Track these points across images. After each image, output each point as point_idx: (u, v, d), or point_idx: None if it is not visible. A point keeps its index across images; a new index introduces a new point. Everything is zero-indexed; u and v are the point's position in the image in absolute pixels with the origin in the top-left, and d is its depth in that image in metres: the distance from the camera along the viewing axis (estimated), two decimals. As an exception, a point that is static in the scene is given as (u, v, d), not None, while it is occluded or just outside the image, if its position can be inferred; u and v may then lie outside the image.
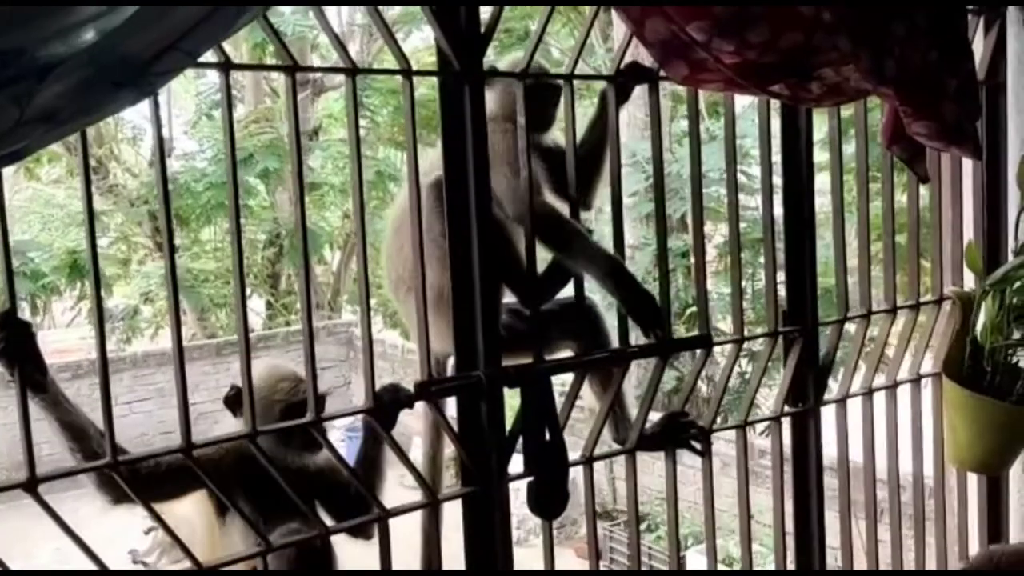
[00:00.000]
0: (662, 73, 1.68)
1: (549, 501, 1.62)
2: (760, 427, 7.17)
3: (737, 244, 1.88)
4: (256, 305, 12.71)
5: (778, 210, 1.91)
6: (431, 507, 1.59)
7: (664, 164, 1.81)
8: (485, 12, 1.55)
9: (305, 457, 1.72)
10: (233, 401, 1.69)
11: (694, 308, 7.19)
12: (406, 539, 1.71)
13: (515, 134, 1.66)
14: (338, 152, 11.32)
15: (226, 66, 1.30)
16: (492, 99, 1.70)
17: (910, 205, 2.09)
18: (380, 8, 1.51)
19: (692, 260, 7.89)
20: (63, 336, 12.71)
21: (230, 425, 1.71)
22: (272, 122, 11.20)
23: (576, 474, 1.69)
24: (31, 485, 1.18)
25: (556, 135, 1.85)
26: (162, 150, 1.30)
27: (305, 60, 10.90)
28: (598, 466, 1.75)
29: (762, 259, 1.97)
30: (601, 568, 6.34)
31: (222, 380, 9.81)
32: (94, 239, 1.26)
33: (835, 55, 1.66)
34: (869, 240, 2.02)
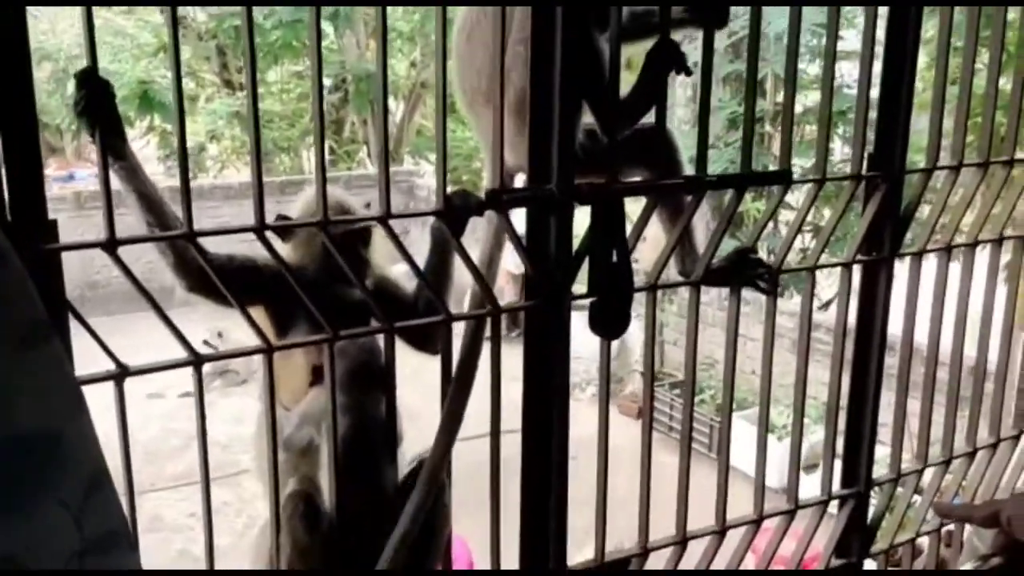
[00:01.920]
0: None
1: (611, 321, 1.62)
2: (827, 294, 7.10)
3: (831, 85, 1.77)
4: (320, 150, 12.74)
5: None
6: (493, 316, 1.60)
7: (744, 25, 1.68)
8: None
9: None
10: (281, 229, 1.63)
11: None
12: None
13: None
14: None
15: None
16: None
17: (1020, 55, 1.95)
18: None
19: (767, 127, 7.65)
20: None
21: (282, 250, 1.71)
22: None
23: (628, 334, 1.66)
24: (111, 246, 1.20)
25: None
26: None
27: None
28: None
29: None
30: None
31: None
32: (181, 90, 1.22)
33: None
34: (972, 86, 1.90)
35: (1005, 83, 2.02)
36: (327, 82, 12.09)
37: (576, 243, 1.59)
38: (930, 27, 2.80)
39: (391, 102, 12.79)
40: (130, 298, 1.32)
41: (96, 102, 1.20)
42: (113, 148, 1.29)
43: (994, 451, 2.25)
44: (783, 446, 5.24)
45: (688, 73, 1.68)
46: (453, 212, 1.49)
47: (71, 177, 12.22)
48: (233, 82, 12.40)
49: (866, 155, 1.81)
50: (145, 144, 12.57)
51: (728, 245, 1.80)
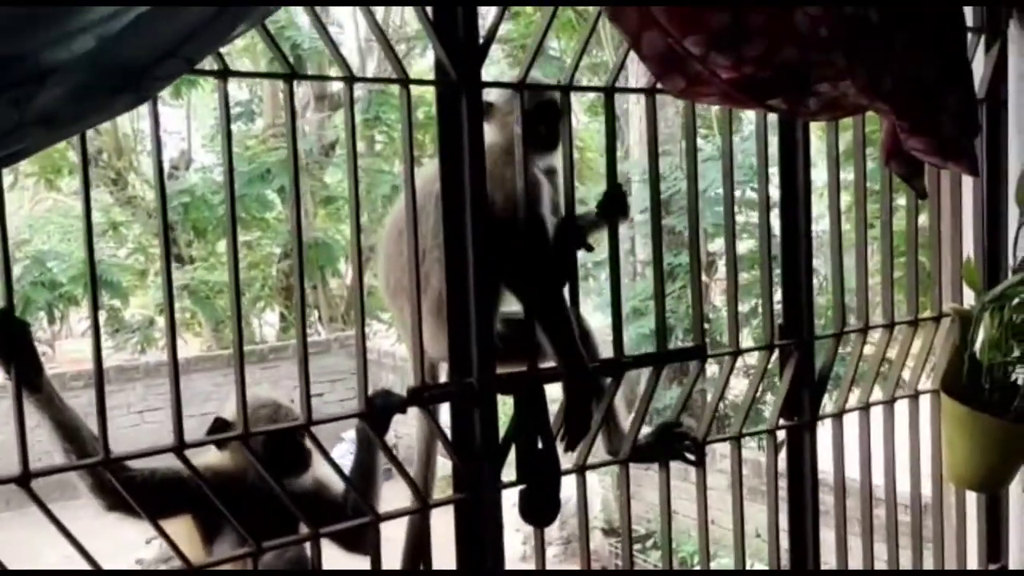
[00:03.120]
0: (659, 86, 1.69)
1: (540, 509, 1.63)
2: (760, 442, 7.14)
3: (734, 259, 1.89)
4: (270, 318, 12.77)
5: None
6: (422, 512, 1.60)
7: (676, 180, 1.82)
8: (484, 21, 1.57)
9: (293, 482, 1.72)
10: (217, 431, 1.67)
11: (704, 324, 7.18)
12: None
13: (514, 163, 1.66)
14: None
15: (224, 73, 1.33)
16: (491, 130, 1.72)
17: (909, 221, 2.09)
18: (392, 23, 1.53)
19: (703, 276, 7.88)
20: (78, 345, 12.83)
21: (217, 457, 1.74)
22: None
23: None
24: (24, 480, 1.20)
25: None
26: (160, 159, 1.33)
27: (323, 70, 11.00)
28: (606, 482, 1.75)
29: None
30: (606, 585, 6.27)
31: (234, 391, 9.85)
32: (91, 239, 1.29)
33: (831, 70, 1.67)
34: (867, 255, 2.02)
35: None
36: (276, 250, 12.29)
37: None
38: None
39: (340, 265, 13.01)
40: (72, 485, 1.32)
41: (12, 341, 1.23)
42: (30, 383, 1.30)
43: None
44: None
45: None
46: (375, 412, 1.51)
47: None
48: (183, 255, 12.52)
49: (776, 325, 1.90)
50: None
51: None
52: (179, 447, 1.32)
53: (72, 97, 1.08)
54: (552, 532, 6.78)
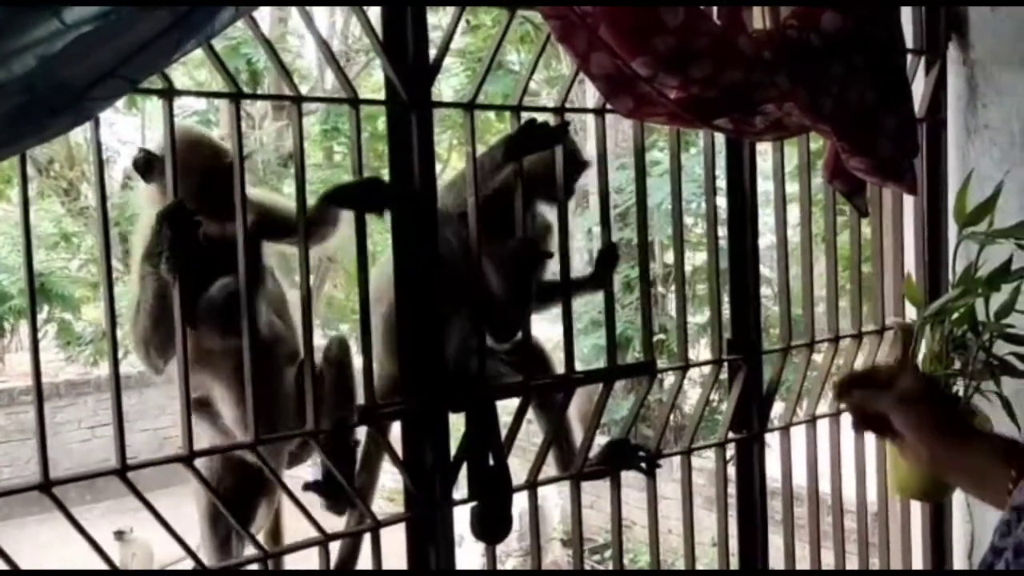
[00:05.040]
0: (608, 106, 1.72)
1: (492, 526, 1.64)
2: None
3: (682, 274, 1.93)
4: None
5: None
6: (373, 531, 1.59)
7: (632, 193, 1.84)
8: (435, 43, 1.58)
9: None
10: (144, 166, 1.49)
11: (661, 335, 7.26)
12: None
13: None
14: (314, 176, 11.30)
15: (169, 92, 1.32)
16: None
17: (852, 238, 2.14)
18: (351, 35, 1.53)
19: (659, 288, 7.95)
20: (29, 359, 12.55)
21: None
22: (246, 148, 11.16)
23: (540, 502, 1.70)
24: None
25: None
26: (101, 174, 1.31)
27: (283, 88, 10.93)
28: (565, 493, 1.76)
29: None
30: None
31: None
32: (30, 256, 1.26)
33: (775, 92, 1.71)
34: (812, 271, 2.07)
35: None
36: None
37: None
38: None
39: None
40: (21, 503, 1.30)
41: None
42: None
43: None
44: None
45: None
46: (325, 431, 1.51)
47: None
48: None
49: (725, 340, 1.93)
50: (43, 334, 12.24)
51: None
52: (122, 470, 1.30)
53: (11, 118, 1.07)
54: (511, 544, 6.76)
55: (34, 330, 1.31)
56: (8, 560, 1.22)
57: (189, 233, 1.37)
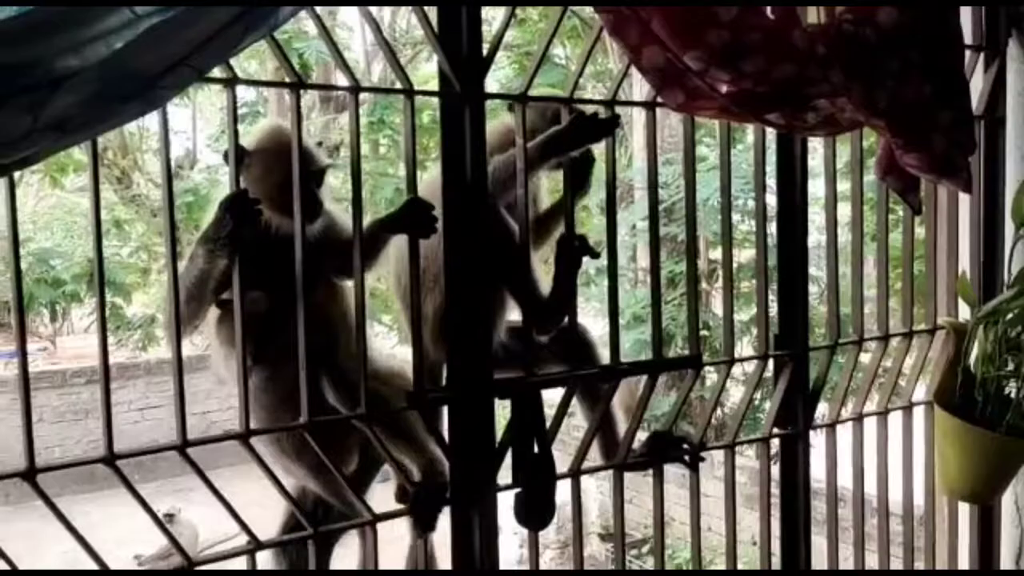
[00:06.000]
0: (658, 100, 1.72)
1: (535, 512, 1.66)
2: (757, 449, 7.18)
3: (730, 269, 1.92)
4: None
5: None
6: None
7: (679, 189, 1.85)
8: (490, 28, 1.60)
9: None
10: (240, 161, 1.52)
11: (704, 332, 7.21)
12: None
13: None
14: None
15: (232, 81, 1.36)
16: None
17: (905, 235, 2.12)
18: (398, 28, 1.56)
19: (703, 284, 7.90)
20: (80, 342, 12.88)
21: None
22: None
23: (583, 492, 1.71)
24: (30, 475, 1.23)
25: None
26: (168, 159, 1.36)
27: (329, 79, 11.05)
28: (604, 487, 1.78)
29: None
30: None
31: (233, 391, 9.89)
32: (100, 243, 1.31)
33: (828, 87, 1.70)
34: (863, 268, 2.05)
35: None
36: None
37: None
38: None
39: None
40: (79, 478, 1.34)
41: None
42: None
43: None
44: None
45: (595, 255, 1.81)
46: (376, 416, 1.54)
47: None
48: (184, 254, 12.53)
49: (772, 336, 1.93)
50: (95, 319, 12.54)
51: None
52: (182, 445, 1.35)
53: (84, 104, 1.11)
54: (549, 535, 6.79)
55: (102, 311, 1.35)
56: (75, 533, 1.27)
57: (250, 222, 1.40)
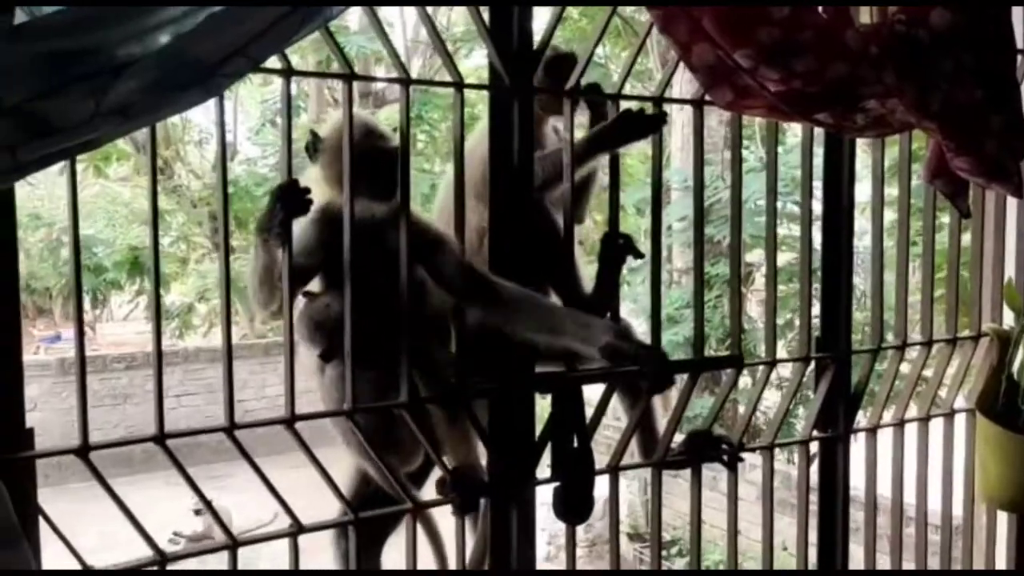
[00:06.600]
0: (707, 98, 1.72)
1: (573, 506, 1.66)
2: (790, 455, 7.11)
3: (774, 271, 1.91)
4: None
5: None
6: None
7: (716, 190, 1.85)
8: (538, 30, 1.61)
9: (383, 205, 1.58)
10: (311, 147, 1.58)
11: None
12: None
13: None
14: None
15: (288, 72, 1.38)
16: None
17: (951, 240, 2.09)
18: (439, 23, 1.58)
19: (743, 285, 7.83)
20: (119, 329, 13.11)
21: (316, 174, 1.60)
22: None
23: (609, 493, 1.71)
24: (83, 451, 1.26)
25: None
26: (224, 151, 1.38)
27: (368, 71, 11.13)
28: (633, 487, 1.78)
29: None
30: (630, 591, 6.27)
31: (269, 379, 10.02)
32: (156, 234, 1.34)
33: (880, 88, 1.69)
34: (908, 272, 2.03)
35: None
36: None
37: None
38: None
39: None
40: (116, 462, 1.37)
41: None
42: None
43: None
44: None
45: (639, 256, 1.81)
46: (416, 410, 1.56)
47: (57, 338, 12.33)
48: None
49: (814, 338, 1.91)
50: (135, 307, 12.76)
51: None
52: (230, 428, 1.37)
53: (145, 91, 1.13)
54: (577, 534, 6.80)
55: (157, 299, 1.39)
56: (126, 510, 1.30)
57: (301, 210, 1.42)
